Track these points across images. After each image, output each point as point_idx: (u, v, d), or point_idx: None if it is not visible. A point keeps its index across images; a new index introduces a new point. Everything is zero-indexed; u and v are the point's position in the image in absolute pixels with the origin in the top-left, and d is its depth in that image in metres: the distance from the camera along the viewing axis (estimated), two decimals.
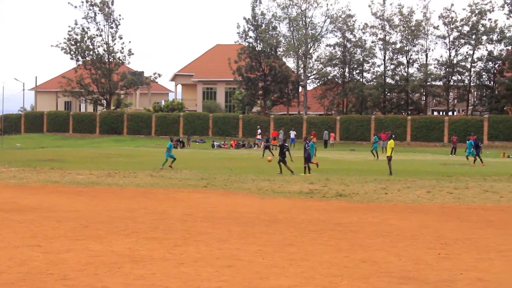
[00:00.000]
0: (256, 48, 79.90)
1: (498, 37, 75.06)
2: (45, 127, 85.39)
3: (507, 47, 75.23)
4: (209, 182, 26.01)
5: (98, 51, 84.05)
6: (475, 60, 76.55)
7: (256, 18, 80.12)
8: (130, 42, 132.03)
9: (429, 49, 78.84)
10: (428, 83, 78.05)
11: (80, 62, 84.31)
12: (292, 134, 65.72)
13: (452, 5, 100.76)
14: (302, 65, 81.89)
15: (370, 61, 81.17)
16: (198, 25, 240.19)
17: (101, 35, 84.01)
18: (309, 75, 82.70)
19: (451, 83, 78.39)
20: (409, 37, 77.68)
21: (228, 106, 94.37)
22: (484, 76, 77.22)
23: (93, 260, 11.12)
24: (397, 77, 79.06)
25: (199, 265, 10.84)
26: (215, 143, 66.36)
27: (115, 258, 11.36)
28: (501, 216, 17.43)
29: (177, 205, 18.92)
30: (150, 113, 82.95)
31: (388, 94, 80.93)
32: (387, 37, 79.21)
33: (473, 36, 75.46)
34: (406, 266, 10.98)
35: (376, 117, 73.25)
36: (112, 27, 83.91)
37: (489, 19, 75.53)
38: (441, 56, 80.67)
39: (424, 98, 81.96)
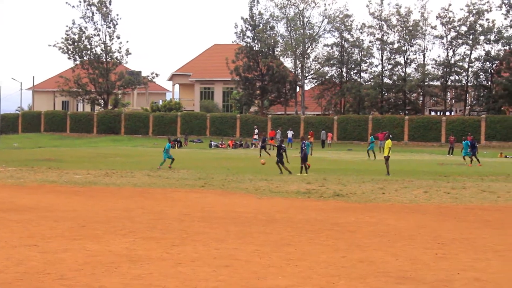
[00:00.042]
0: (254, 48, 79.95)
1: (496, 37, 75.17)
2: (43, 126, 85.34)
3: (505, 47, 75.32)
4: (206, 182, 26.01)
5: (95, 50, 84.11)
6: (473, 60, 76.68)
7: (254, 18, 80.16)
8: (127, 41, 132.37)
9: (427, 49, 79.07)
10: (426, 83, 78.15)
11: (78, 62, 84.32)
12: (290, 134, 65.72)
13: (450, 5, 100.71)
14: (299, 65, 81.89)
15: (367, 61, 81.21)
16: (196, 25, 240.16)
17: (98, 35, 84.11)
18: (306, 75, 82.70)
19: (449, 83, 78.48)
20: (407, 37, 77.73)
21: (225, 106, 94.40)
22: (481, 76, 77.30)
23: (90, 260, 11.11)
24: (395, 77, 79.09)
25: (197, 265, 10.84)
26: (212, 143, 66.39)
27: (112, 257, 11.36)
28: (498, 216, 17.45)
29: (174, 205, 18.92)
30: (147, 113, 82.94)
31: (386, 94, 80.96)
32: (385, 37, 79.31)
33: (471, 36, 75.55)
34: (403, 266, 10.98)
35: (373, 117, 73.31)
36: (109, 27, 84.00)
37: (487, 19, 75.74)
38: (439, 56, 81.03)
39: (421, 98, 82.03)
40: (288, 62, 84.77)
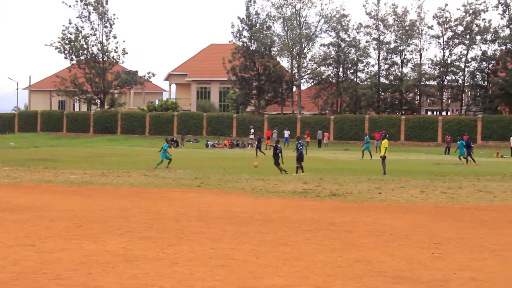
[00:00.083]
0: (250, 48, 79.90)
1: (492, 37, 75.16)
2: (39, 126, 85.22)
3: (501, 47, 75.37)
4: (203, 182, 26.01)
5: (92, 50, 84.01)
6: (469, 60, 76.67)
7: (251, 18, 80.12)
8: (124, 41, 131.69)
9: (423, 49, 79.01)
10: (422, 83, 78.15)
11: (74, 62, 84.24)
12: (286, 133, 65.73)
13: (446, 5, 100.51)
14: (296, 65, 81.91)
15: (364, 60, 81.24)
16: (192, 25, 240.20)
17: (95, 34, 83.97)
18: (303, 74, 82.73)
19: (445, 83, 78.50)
20: (403, 37, 77.77)
21: (222, 106, 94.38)
22: (478, 76, 77.34)
23: (86, 260, 11.11)
24: (391, 77, 79.12)
25: (193, 265, 10.84)
26: (209, 142, 66.35)
27: (108, 257, 11.35)
28: (494, 215, 17.47)
29: (171, 205, 18.91)
30: (144, 112, 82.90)
31: (382, 93, 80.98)
32: (381, 37, 79.32)
33: (467, 36, 75.58)
34: (399, 266, 10.99)
35: (370, 117, 73.33)
36: (106, 26, 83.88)
37: (483, 19, 75.72)
38: (435, 56, 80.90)
39: (418, 98, 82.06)
40: (284, 62, 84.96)
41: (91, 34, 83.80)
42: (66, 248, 12.15)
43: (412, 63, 79.39)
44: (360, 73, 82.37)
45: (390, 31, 79.07)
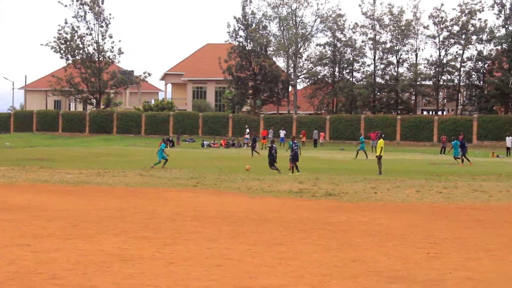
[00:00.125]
0: (246, 48, 79.95)
1: (488, 37, 75.30)
2: (35, 126, 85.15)
3: (497, 47, 75.50)
4: (198, 181, 25.99)
5: (88, 50, 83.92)
6: (465, 59, 76.85)
7: (247, 18, 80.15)
8: (120, 41, 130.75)
9: (419, 49, 79.19)
10: (418, 83, 78.26)
11: (70, 61, 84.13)
12: (282, 133, 65.75)
13: (442, 5, 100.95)
14: (292, 65, 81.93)
15: (360, 60, 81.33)
16: (189, 24, 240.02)
17: (91, 34, 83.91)
18: (299, 74, 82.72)
19: (441, 83, 78.60)
20: (399, 36, 77.85)
21: (218, 106, 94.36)
22: (473, 76, 77.47)
23: (82, 259, 11.09)
24: (387, 77, 79.18)
25: (189, 264, 10.83)
26: (205, 142, 66.37)
27: (104, 257, 11.34)
28: (490, 215, 17.49)
29: (166, 204, 18.90)
30: (140, 112, 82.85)
31: (378, 93, 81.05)
32: (377, 37, 79.39)
33: (463, 36, 75.70)
34: (395, 265, 11.00)
35: (366, 117, 73.41)
36: (102, 26, 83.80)
37: (479, 19, 75.94)
38: (431, 56, 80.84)
39: (413, 97, 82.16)
40: (280, 62, 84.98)
41: (87, 34, 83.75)
42: (61, 247, 12.13)
43: (408, 63, 79.59)
44: (356, 73, 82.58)
45: (386, 31, 79.19)
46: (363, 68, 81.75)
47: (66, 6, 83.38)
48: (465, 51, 76.52)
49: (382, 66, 79.82)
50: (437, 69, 76.77)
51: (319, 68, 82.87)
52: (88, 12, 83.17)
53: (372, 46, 79.67)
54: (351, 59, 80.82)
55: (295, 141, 31.98)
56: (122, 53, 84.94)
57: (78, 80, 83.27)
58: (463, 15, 75.25)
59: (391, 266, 10.92)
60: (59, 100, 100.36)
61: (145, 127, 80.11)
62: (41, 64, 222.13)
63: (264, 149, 45.19)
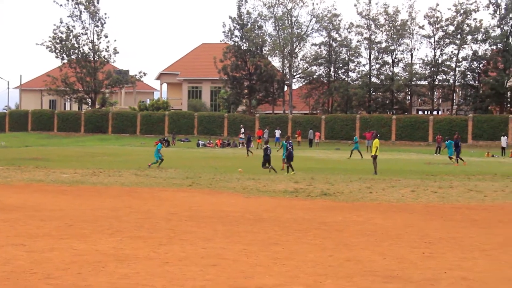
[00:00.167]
0: (242, 47, 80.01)
1: (483, 37, 75.46)
2: (30, 125, 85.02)
3: (492, 47, 75.63)
4: (194, 181, 25.98)
5: (83, 49, 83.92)
6: (460, 59, 77.04)
7: (242, 17, 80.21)
8: (115, 40, 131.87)
9: (414, 49, 79.32)
10: (413, 83, 78.37)
11: (65, 61, 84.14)
12: (277, 133, 65.77)
13: (438, 4, 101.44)
14: (287, 64, 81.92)
15: (355, 60, 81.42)
16: (184, 24, 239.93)
17: (86, 34, 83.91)
18: (294, 74, 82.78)
19: (436, 83, 78.75)
20: (395, 36, 77.93)
21: (213, 105, 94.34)
22: (468, 76, 77.66)
23: (77, 259, 11.08)
24: (382, 77, 79.30)
25: (184, 264, 10.82)
26: (200, 142, 66.36)
27: (99, 257, 11.32)
28: (485, 215, 17.50)
29: (162, 204, 18.88)
30: (135, 112, 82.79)
31: (373, 93, 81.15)
32: (373, 37, 79.51)
33: (458, 36, 75.83)
34: (390, 265, 11.00)
35: (361, 117, 73.45)
36: (97, 26, 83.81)
37: (474, 19, 76.08)
38: (426, 56, 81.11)
39: (409, 97, 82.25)
40: (276, 61, 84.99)
41: (82, 33, 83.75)
42: (56, 247, 12.11)
43: (403, 63, 79.68)
44: (351, 72, 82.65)
45: (381, 31, 79.29)
46: (359, 68, 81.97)
47: (61, 5, 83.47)
48: (460, 51, 76.77)
49: (377, 66, 79.94)
50: (432, 69, 76.88)
51: (314, 68, 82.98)
52: (84, 12, 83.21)
53: (367, 46, 79.78)
54: (347, 59, 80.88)
55: (290, 141, 32.00)
56: (118, 52, 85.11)
57: (74, 79, 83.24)
58: (458, 15, 75.38)
59: (386, 266, 10.93)
60: (54, 99, 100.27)
61: (140, 126, 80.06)
62: (37, 63, 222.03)
63: (259, 149, 45.17)
